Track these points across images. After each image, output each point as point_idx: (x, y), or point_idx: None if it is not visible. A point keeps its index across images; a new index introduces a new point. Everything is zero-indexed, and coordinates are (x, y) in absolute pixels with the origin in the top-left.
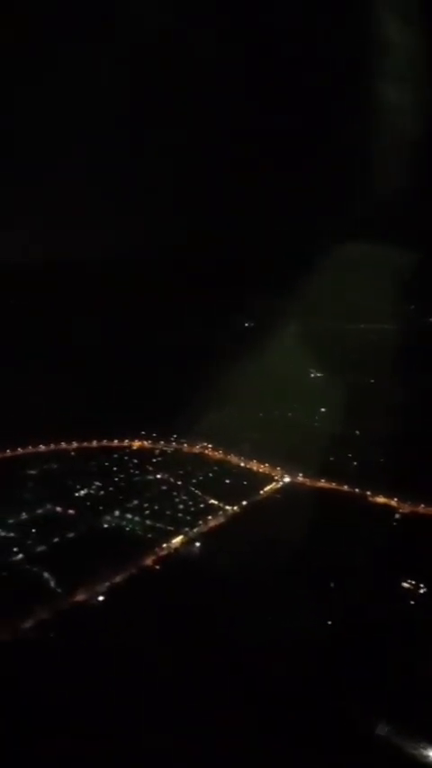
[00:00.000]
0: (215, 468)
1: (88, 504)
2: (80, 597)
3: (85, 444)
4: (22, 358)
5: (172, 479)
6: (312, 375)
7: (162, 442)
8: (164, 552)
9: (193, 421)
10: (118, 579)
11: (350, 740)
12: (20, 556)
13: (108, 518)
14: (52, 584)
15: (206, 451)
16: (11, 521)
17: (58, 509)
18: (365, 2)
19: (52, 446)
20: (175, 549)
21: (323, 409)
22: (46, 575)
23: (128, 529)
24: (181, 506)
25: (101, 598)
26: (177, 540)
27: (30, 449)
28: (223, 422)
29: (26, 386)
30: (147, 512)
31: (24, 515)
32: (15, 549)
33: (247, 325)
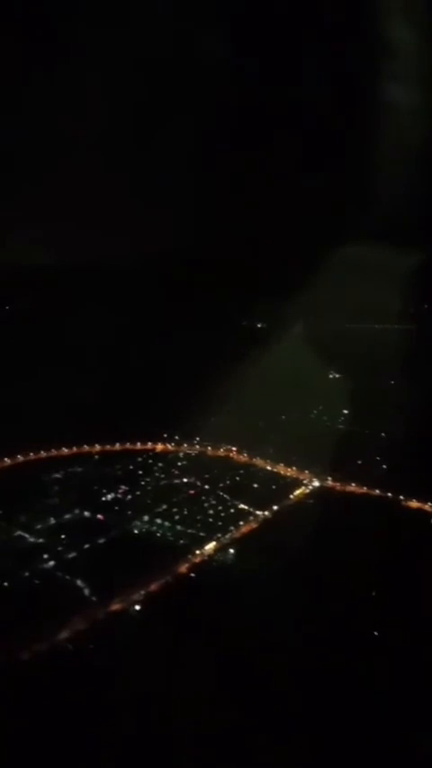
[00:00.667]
0: (241, 471)
1: (116, 508)
2: (116, 606)
3: (108, 447)
4: (27, 361)
5: (199, 483)
6: (331, 376)
7: (185, 445)
8: (198, 559)
9: (213, 424)
10: (153, 587)
11: None
12: (51, 563)
13: (138, 523)
14: (86, 592)
15: (231, 455)
16: (39, 526)
17: (87, 514)
18: (374, 2)
19: (74, 449)
20: (209, 556)
21: (345, 411)
22: (79, 582)
23: (159, 534)
24: (211, 511)
25: (137, 607)
26: (210, 546)
27: (53, 452)
28: (245, 425)
29: (35, 390)
30: (176, 517)
31: (52, 520)
32: (46, 556)
33: (259, 326)
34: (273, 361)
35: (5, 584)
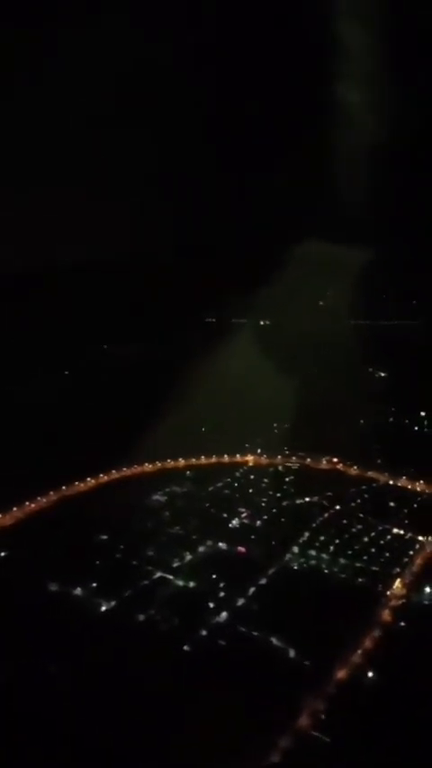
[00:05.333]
0: (364, 487)
1: (252, 537)
2: (342, 674)
3: (194, 461)
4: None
5: (326, 503)
6: (377, 375)
7: (279, 457)
8: (395, 602)
9: (290, 432)
10: (368, 644)
11: None
12: (223, 614)
13: (290, 557)
14: (292, 654)
15: (338, 467)
16: (176, 563)
17: (222, 545)
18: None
19: (159, 464)
20: (405, 597)
21: (423, 413)
22: (275, 641)
23: (326, 571)
24: (365, 539)
25: (370, 674)
26: (397, 584)
27: (136, 468)
28: (325, 431)
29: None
30: (331, 547)
31: (188, 555)
32: (212, 605)
33: (262, 323)
34: (302, 361)
35: (186, 647)
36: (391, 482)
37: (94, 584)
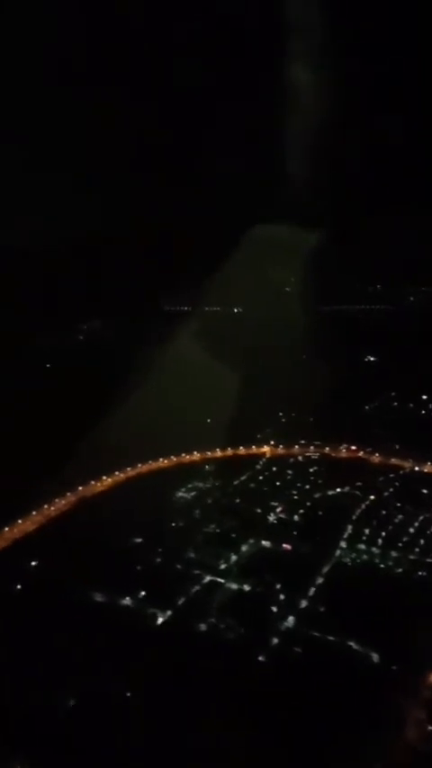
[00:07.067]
0: (392, 475)
1: (295, 533)
2: None
3: (209, 455)
4: None
5: (359, 493)
6: (366, 360)
7: (296, 447)
8: None
9: (296, 421)
10: None
11: None
12: (290, 619)
13: (340, 552)
14: (375, 659)
15: (360, 455)
16: (223, 566)
17: (265, 544)
18: None
19: (174, 459)
20: None
21: (425, 396)
22: (353, 645)
23: (381, 566)
24: (410, 529)
25: None
26: None
27: (151, 464)
28: (336, 418)
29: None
30: (378, 540)
31: (233, 556)
32: (275, 609)
33: (235, 310)
34: (289, 349)
35: (261, 658)
36: (417, 468)
37: (143, 593)
